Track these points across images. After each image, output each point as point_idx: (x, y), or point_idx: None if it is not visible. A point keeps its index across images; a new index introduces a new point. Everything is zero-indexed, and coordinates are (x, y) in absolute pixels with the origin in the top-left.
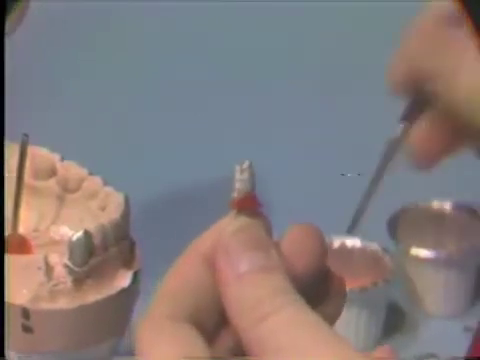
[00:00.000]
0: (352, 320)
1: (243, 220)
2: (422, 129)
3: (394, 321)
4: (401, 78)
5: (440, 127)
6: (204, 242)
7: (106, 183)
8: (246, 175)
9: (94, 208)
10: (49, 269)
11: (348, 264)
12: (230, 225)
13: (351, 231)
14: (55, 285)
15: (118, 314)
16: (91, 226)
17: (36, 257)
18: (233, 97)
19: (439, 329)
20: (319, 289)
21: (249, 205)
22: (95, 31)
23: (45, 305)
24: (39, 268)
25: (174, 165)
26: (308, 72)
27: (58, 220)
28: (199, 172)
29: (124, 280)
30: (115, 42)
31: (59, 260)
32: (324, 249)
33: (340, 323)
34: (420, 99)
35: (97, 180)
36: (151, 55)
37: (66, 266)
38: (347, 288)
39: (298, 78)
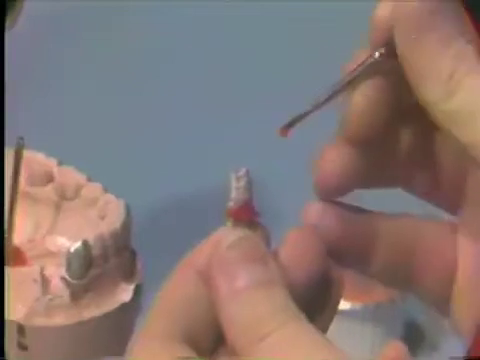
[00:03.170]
0: (367, 338)
1: (240, 231)
2: (369, 94)
3: (412, 339)
4: (385, 25)
5: (395, 102)
6: (198, 256)
7: (106, 190)
8: (242, 183)
9: (93, 217)
10: (45, 282)
11: (362, 276)
12: (226, 237)
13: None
14: (51, 299)
15: (118, 331)
16: (90, 236)
17: (31, 269)
18: (232, 102)
19: (460, 347)
20: (319, 295)
21: (246, 215)
22: (96, 31)
23: (41, 321)
24: (34, 281)
25: (178, 171)
26: (308, 74)
27: (55, 229)
28: (204, 179)
29: (125, 294)
30: (117, 44)
31: (56, 273)
32: (324, 254)
33: (354, 340)
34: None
35: (96, 187)
36: (153, 59)
37: (63, 279)
38: (361, 303)
39: (298, 81)
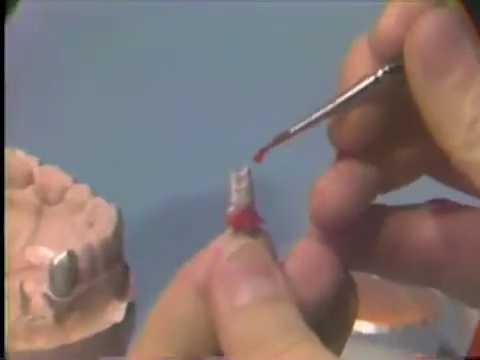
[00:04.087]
0: None
1: (242, 240)
2: (368, 112)
3: None
4: (393, 34)
5: (392, 121)
6: (196, 268)
7: (94, 193)
8: (244, 185)
9: (80, 224)
10: (25, 300)
11: (390, 295)
12: (226, 246)
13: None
14: (32, 320)
15: (109, 355)
16: (76, 246)
17: (9, 285)
18: (232, 101)
19: None
20: (333, 312)
21: (248, 221)
22: (96, 31)
23: (21, 345)
24: (13, 299)
25: (174, 173)
26: (310, 72)
27: (36, 239)
28: (203, 181)
29: (116, 313)
30: (117, 44)
31: (37, 289)
32: (338, 266)
33: None
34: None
35: (84, 189)
36: (153, 59)
37: (46, 296)
38: (388, 326)
39: (300, 78)
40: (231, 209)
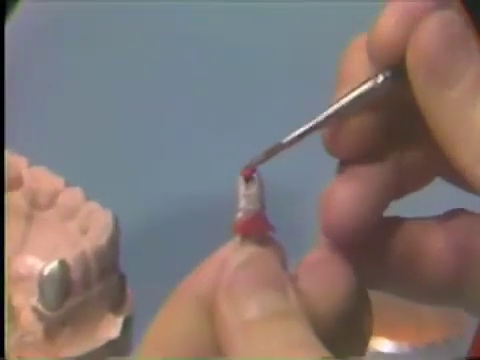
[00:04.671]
0: None
1: (250, 249)
2: (362, 117)
3: None
4: (391, 37)
5: (392, 129)
6: (199, 279)
7: (88, 197)
8: (253, 190)
9: (72, 231)
10: (13, 314)
11: (411, 311)
12: (234, 256)
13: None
14: (21, 336)
15: None
16: (68, 255)
17: None
18: (238, 98)
19: None
20: (347, 327)
21: (257, 229)
22: (87, 28)
23: None
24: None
25: (176, 175)
26: (316, 72)
27: (24, 247)
28: (208, 185)
29: (112, 329)
30: (111, 39)
31: (26, 302)
32: (352, 278)
33: None
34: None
35: (76, 193)
36: (150, 55)
37: (35, 310)
38: (410, 344)
39: (304, 79)
40: (239, 215)
